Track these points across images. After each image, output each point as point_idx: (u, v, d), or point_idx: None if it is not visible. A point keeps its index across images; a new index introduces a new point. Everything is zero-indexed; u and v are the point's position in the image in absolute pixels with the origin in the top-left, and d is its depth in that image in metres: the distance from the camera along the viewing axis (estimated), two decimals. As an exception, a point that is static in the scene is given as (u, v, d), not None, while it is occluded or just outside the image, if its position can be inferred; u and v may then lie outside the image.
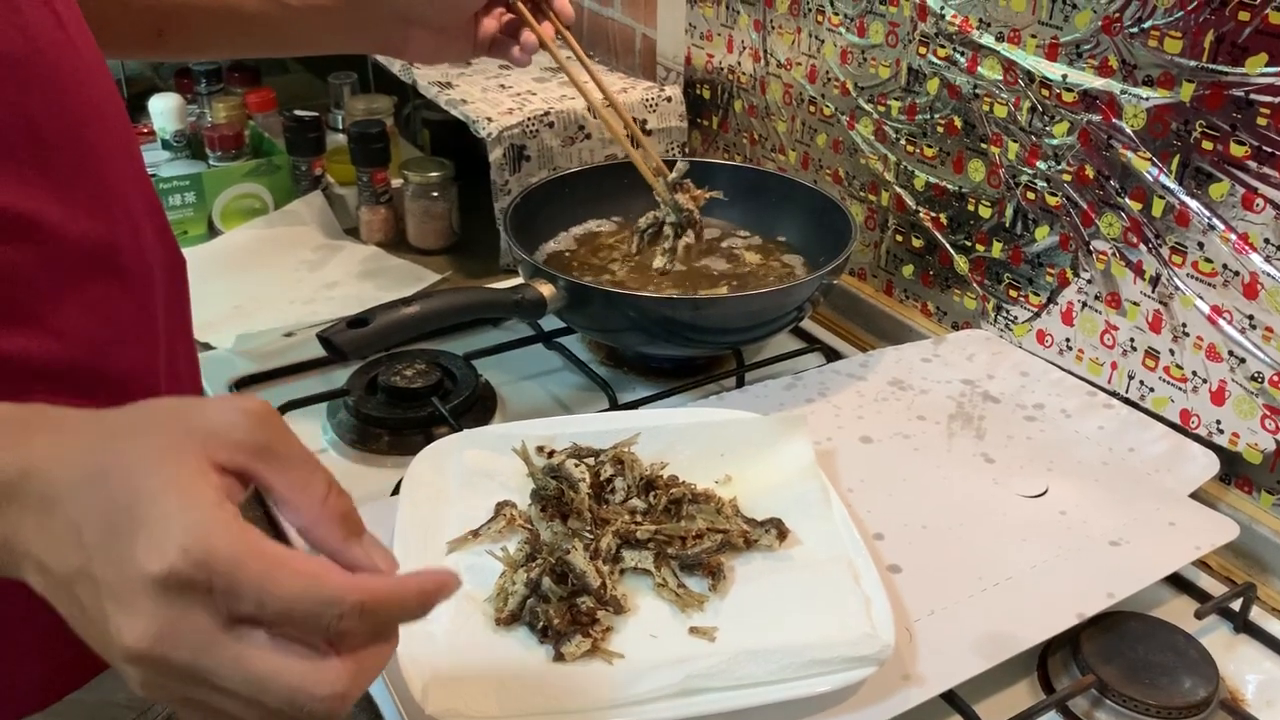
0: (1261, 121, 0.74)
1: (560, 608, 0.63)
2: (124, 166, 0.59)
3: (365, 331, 0.78)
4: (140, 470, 0.40)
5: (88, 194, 0.55)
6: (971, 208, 0.98)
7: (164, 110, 1.33)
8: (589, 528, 0.68)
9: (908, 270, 1.08)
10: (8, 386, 0.52)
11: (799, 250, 1.08)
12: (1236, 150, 0.76)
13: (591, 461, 0.75)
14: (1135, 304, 0.86)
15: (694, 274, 1.03)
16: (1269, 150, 0.74)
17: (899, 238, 1.07)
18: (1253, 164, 0.75)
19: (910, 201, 1.04)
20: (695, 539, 0.69)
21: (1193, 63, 0.77)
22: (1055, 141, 0.88)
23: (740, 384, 0.96)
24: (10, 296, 0.52)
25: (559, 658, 0.61)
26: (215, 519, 0.39)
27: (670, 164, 0.98)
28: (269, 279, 1.19)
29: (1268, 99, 0.73)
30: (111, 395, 0.56)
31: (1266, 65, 0.72)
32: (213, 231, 1.28)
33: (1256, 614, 0.74)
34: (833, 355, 1.02)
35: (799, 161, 1.18)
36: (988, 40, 0.91)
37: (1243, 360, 0.79)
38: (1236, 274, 0.78)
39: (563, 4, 0.91)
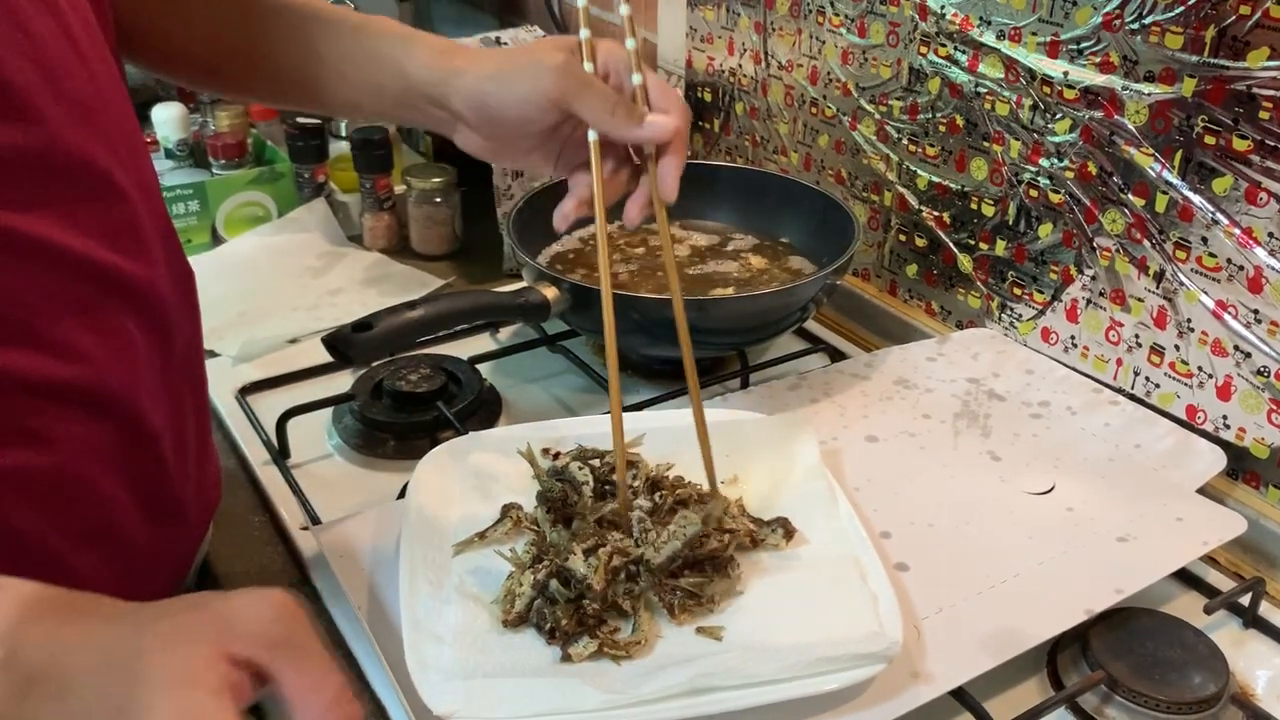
0: (1264, 115, 0.74)
1: (568, 609, 0.63)
2: (137, 186, 0.59)
3: (370, 335, 0.78)
4: (151, 655, 0.41)
5: (104, 220, 0.55)
6: (974, 206, 0.98)
7: (167, 119, 1.33)
8: (592, 529, 0.68)
9: (911, 270, 1.08)
10: (19, 404, 0.52)
11: (802, 251, 1.08)
12: (1239, 144, 0.76)
13: (597, 463, 0.75)
14: (1140, 300, 0.86)
15: (699, 276, 1.03)
16: (1272, 144, 0.74)
17: (902, 237, 1.07)
18: (1256, 158, 0.75)
19: (913, 201, 1.04)
20: (701, 540, 0.69)
21: (1194, 58, 0.77)
22: (1057, 139, 0.88)
23: (745, 385, 0.96)
24: (21, 318, 0.52)
25: (566, 658, 0.61)
26: (205, 709, 0.39)
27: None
28: (273, 286, 1.19)
29: (1270, 93, 0.73)
30: (116, 416, 0.56)
31: (1268, 59, 0.72)
32: (216, 240, 1.28)
33: (1266, 609, 0.74)
34: (837, 355, 1.02)
35: (801, 163, 1.18)
36: (988, 39, 0.92)
37: (1248, 355, 0.79)
38: (1241, 268, 0.78)
39: (672, 168, 0.69)
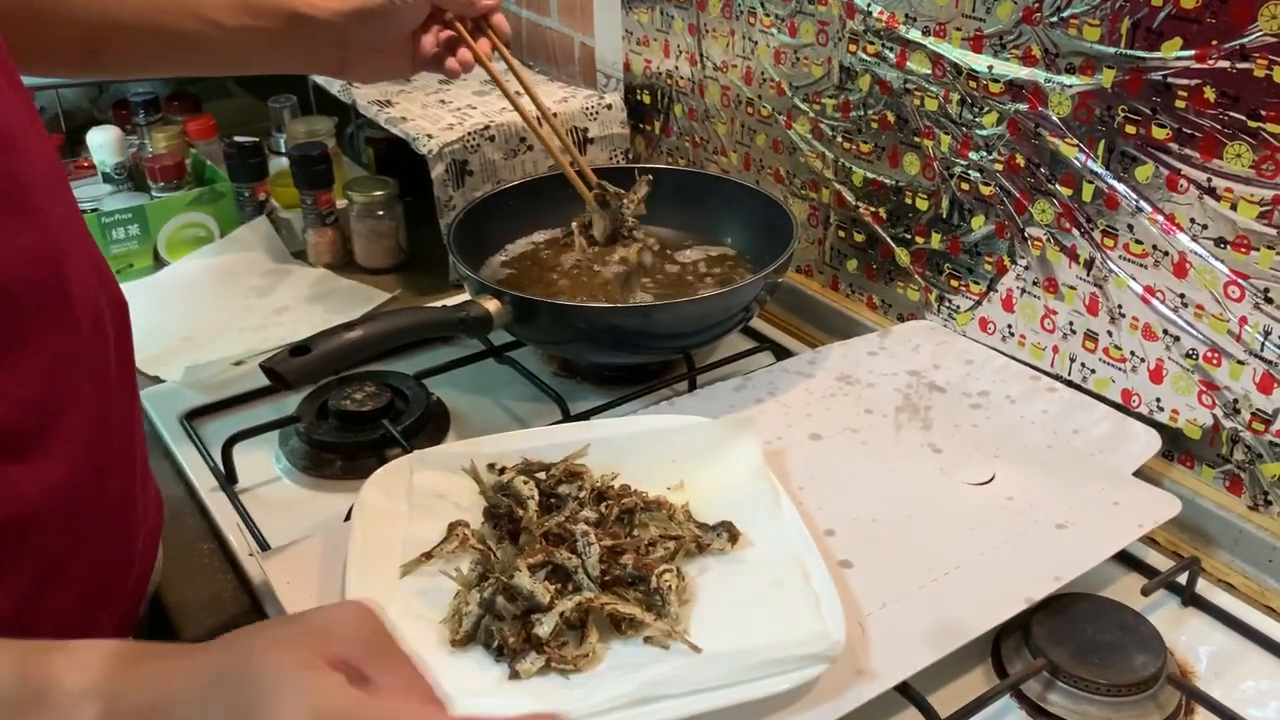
0: (1180, 104, 0.75)
1: (514, 626, 0.63)
2: (63, 218, 0.58)
3: (308, 359, 0.78)
4: (261, 662, 0.45)
5: (32, 246, 0.54)
6: (909, 201, 0.99)
7: (103, 143, 1.32)
8: (539, 544, 0.68)
9: (851, 265, 1.09)
10: None
11: (744, 251, 1.09)
12: (1158, 133, 0.77)
13: (542, 476, 0.75)
14: (1072, 288, 0.88)
15: (642, 280, 1.04)
16: (1189, 132, 0.75)
17: (841, 233, 1.08)
18: (1175, 146, 0.76)
19: (850, 197, 1.05)
20: (647, 547, 0.69)
21: (1111, 49, 0.78)
22: (985, 132, 0.90)
23: (692, 387, 0.97)
24: None
25: (514, 675, 0.61)
26: (333, 683, 0.44)
27: (614, 173, 0.99)
28: (217, 308, 1.18)
29: (1184, 82, 0.74)
30: (63, 455, 0.56)
31: (1181, 49, 0.74)
32: (159, 263, 1.27)
33: (1203, 586, 0.75)
34: (782, 353, 1.03)
35: (741, 162, 1.18)
36: (914, 35, 0.93)
37: (1177, 338, 0.81)
38: (1166, 254, 0.79)
39: (500, 21, 0.91)
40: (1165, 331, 0.81)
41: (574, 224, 0.99)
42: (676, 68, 1.23)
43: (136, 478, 0.66)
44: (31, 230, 0.55)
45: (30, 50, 0.74)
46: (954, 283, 0.98)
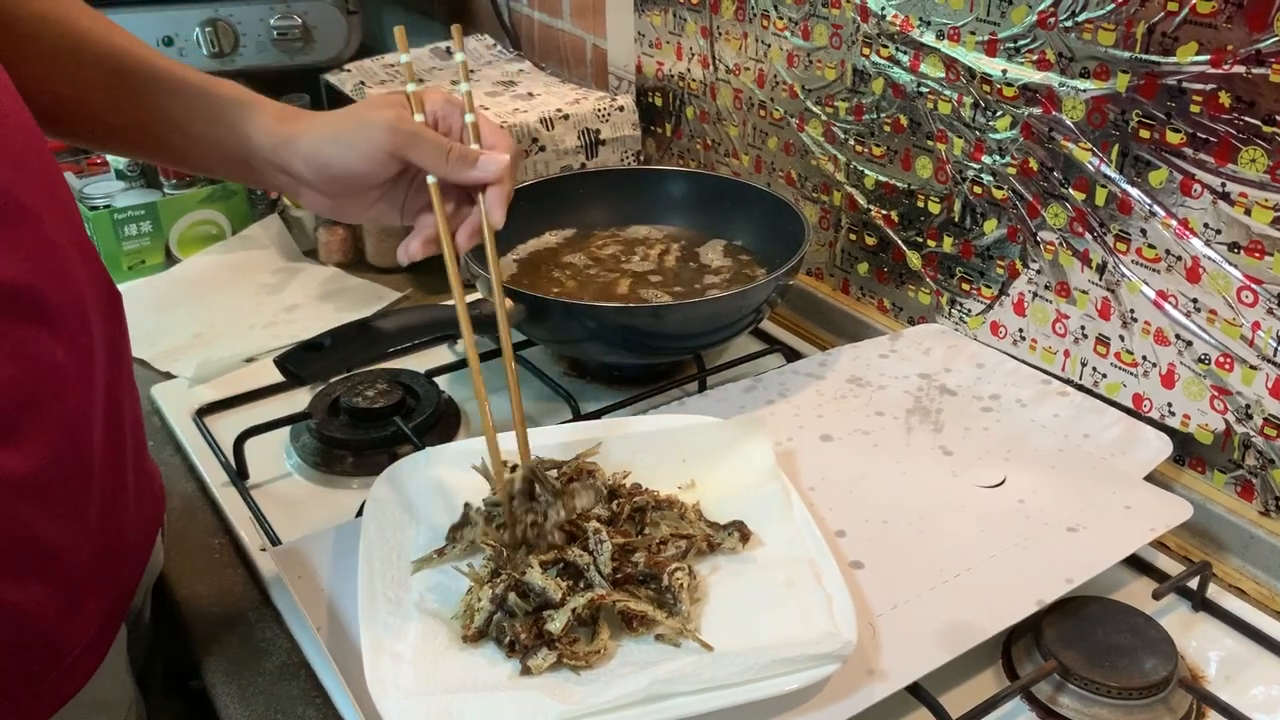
0: (1195, 109, 0.75)
1: (526, 622, 0.63)
2: (52, 208, 0.58)
3: (322, 355, 0.78)
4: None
5: (15, 244, 0.54)
6: (921, 204, 0.99)
7: (116, 140, 1.32)
8: (553, 534, 0.68)
9: (863, 268, 1.09)
10: None
11: (755, 253, 1.09)
12: (1172, 138, 0.77)
13: (554, 474, 0.75)
14: (1084, 292, 0.88)
15: (654, 281, 1.04)
16: (1203, 137, 0.75)
17: (852, 236, 1.08)
18: (1189, 150, 0.76)
19: (862, 200, 1.06)
20: (659, 545, 0.69)
21: (1126, 54, 0.78)
22: (999, 136, 0.90)
23: (702, 388, 0.97)
24: None
25: (526, 671, 0.61)
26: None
27: (621, 173, 0.98)
28: (228, 305, 1.18)
29: (1199, 86, 0.74)
30: (42, 444, 0.56)
31: (1196, 54, 0.74)
32: (170, 260, 1.28)
33: (1214, 591, 0.75)
34: (793, 355, 1.03)
35: (752, 165, 1.19)
36: (928, 39, 0.93)
37: (1189, 343, 0.81)
38: (1179, 259, 0.79)
39: (498, 199, 0.74)
40: (1177, 336, 0.81)
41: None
42: (689, 70, 1.23)
43: (127, 474, 0.65)
44: (18, 230, 0.54)
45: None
46: (965, 286, 0.98)
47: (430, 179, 0.72)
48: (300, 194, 0.75)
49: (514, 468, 0.77)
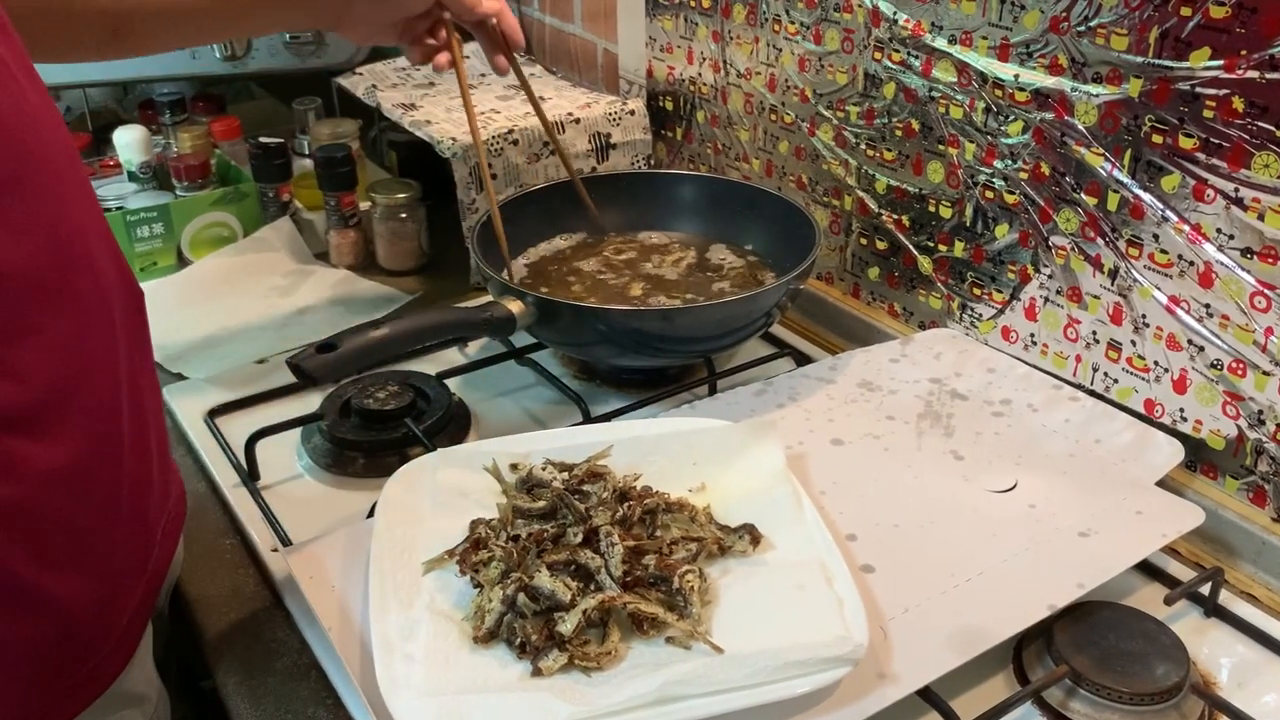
0: (1208, 114, 0.75)
1: (536, 623, 0.63)
2: (78, 206, 0.59)
3: (333, 356, 0.79)
4: None
5: (42, 234, 0.55)
6: (932, 209, 0.99)
7: (129, 142, 1.33)
8: (575, 525, 0.69)
9: (873, 272, 1.09)
10: None
11: (766, 257, 1.09)
12: (1185, 143, 0.77)
13: (565, 476, 0.76)
14: (1096, 297, 0.87)
15: (665, 284, 1.04)
16: (1216, 142, 0.75)
17: (863, 241, 1.08)
18: (1201, 156, 0.76)
19: (872, 205, 1.06)
20: (669, 547, 0.69)
21: (1139, 59, 0.78)
22: (1010, 140, 0.90)
23: (712, 392, 0.97)
24: None
25: (537, 672, 0.61)
26: None
27: (632, 177, 0.99)
28: (240, 307, 1.19)
29: (1213, 92, 0.74)
30: (75, 436, 0.57)
31: (1210, 59, 0.74)
32: (182, 262, 1.28)
33: (1226, 598, 0.75)
34: (803, 359, 1.03)
35: (763, 169, 1.19)
36: (940, 43, 0.93)
37: (1202, 349, 0.80)
38: (1191, 264, 0.79)
39: (511, 28, 0.97)
40: (1190, 342, 0.81)
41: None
42: (700, 74, 1.24)
43: (153, 465, 0.66)
44: (43, 220, 0.55)
45: (56, 32, 0.77)
46: (977, 291, 0.98)
47: (446, 15, 0.95)
48: (339, 26, 0.94)
49: (529, 473, 0.77)
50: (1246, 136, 0.73)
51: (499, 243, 0.98)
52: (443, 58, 0.96)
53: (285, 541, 0.80)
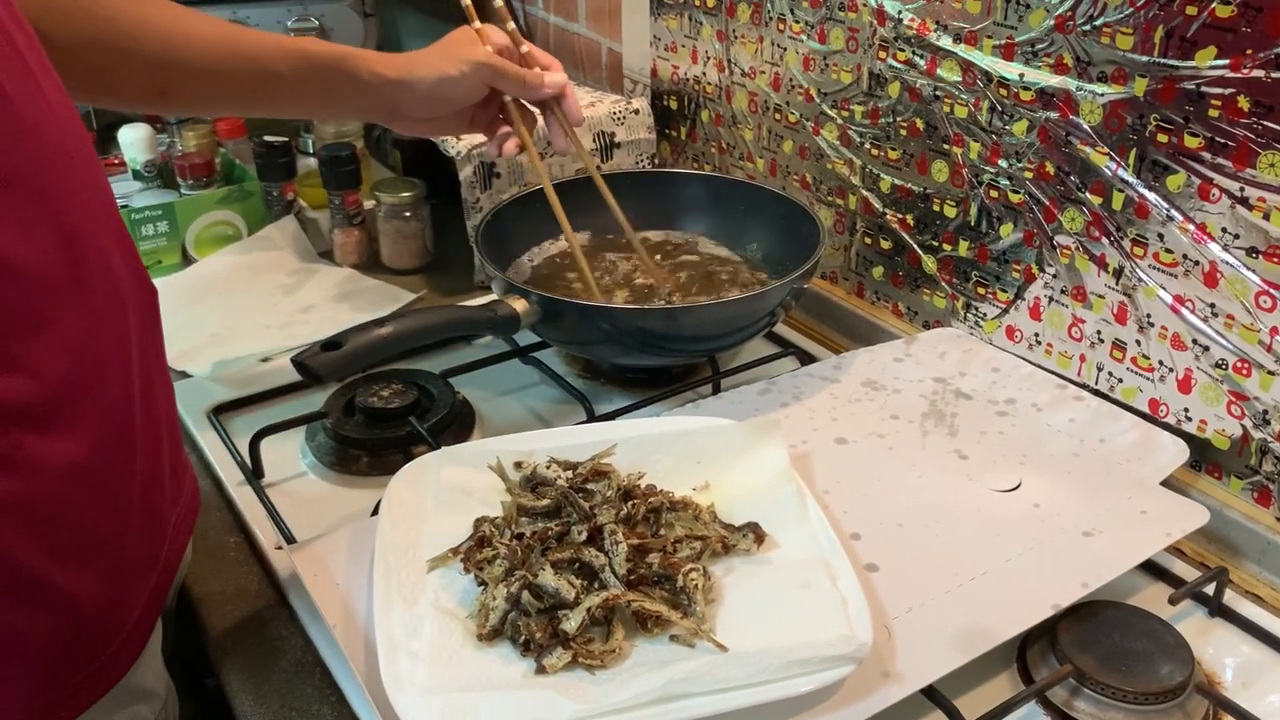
0: (1213, 113, 0.75)
1: (540, 621, 0.63)
2: (92, 203, 0.59)
3: (338, 354, 0.79)
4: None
5: (55, 231, 0.55)
6: (937, 208, 0.99)
7: (133, 141, 1.33)
8: (579, 523, 0.69)
9: (877, 272, 1.09)
10: None
11: (770, 256, 1.09)
12: (1191, 142, 0.77)
13: (569, 474, 0.76)
14: (1100, 297, 0.87)
15: (669, 283, 1.04)
16: (1222, 141, 0.75)
17: (868, 240, 1.08)
18: (1207, 155, 0.76)
19: (877, 204, 1.06)
20: (673, 546, 0.69)
21: (1144, 58, 0.78)
22: (1015, 140, 0.90)
23: (716, 390, 0.97)
24: None
25: (541, 670, 0.61)
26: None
27: (639, 176, 0.99)
28: (244, 305, 1.19)
29: (1218, 91, 0.74)
30: (88, 431, 0.57)
31: (1215, 58, 0.74)
32: (186, 260, 1.28)
33: (1230, 597, 0.75)
34: (807, 358, 1.03)
35: (767, 168, 1.19)
36: (945, 42, 0.93)
37: (1207, 348, 0.80)
38: (1196, 263, 0.79)
39: (570, 105, 0.95)
40: (1194, 341, 0.81)
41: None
42: (704, 73, 1.24)
43: (164, 461, 0.66)
44: (57, 217, 0.56)
45: (107, 84, 0.80)
46: (981, 290, 0.98)
47: (507, 98, 0.93)
48: (395, 123, 0.93)
49: (532, 471, 0.77)
50: (1252, 136, 0.73)
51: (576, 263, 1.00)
52: (510, 144, 0.95)
53: (289, 539, 0.80)
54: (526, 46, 0.94)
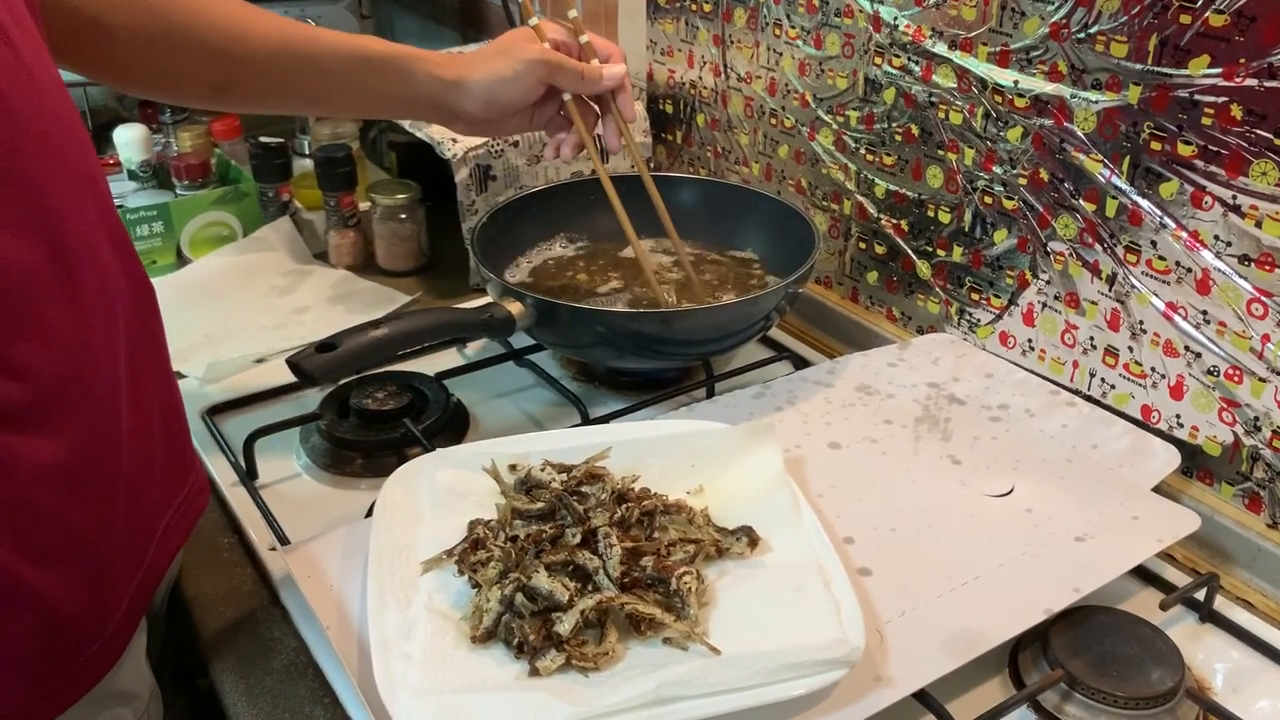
0: (1206, 121, 0.75)
1: (534, 623, 0.63)
2: (85, 201, 0.59)
3: (333, 356, 0.79)
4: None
5: (45, 229, 0.55)
6: (931, 213, 1.00)
7: (129, 141, 1.33)
8: (574, 526, 0.69)
9: (872, 277, 1.09)
10: None
11: (765, 261, 1.09)
12: (1184, 150, 0.77)
13: (564, 477, 0.76)
14: (1093, 303, 0.88)
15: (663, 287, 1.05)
16: (1214, 149, 0.75)
17: (862, 245, 1.09)
18: (1200, 163, 0.77)
19: (872, 209, 1.06)
20: (667, 549, 0.70)
21: (1138, 66, 0.79)
22: (1009, 146, 0.90)
23: (710, 394, 0.97)
24: None
25: (534, 672, 0.62)
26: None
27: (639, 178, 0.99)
28: (239, 306, 1.19)
29: (1211, 99, 0.75)
30: (72, 432, 0.56)
31: (1209, 67, 0.74)
32: (181, 260, 1.28)
33: (1221, 603, 0.75)
34: (801, 363, 1.03)
35: (762, 173, 1.19)
36: (941, 49, 0.93)
37: (1199, 355, 0.81)
38: (1189, 270, 0.80)
39: (625, 101, 0.94)
40: (1187, 348, 0.81)
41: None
42: (700, 78, 1.24)
43: (155, 463, 0.66)
44: (47, 215, 0.55)
45: (165, 78, 0.81)
46: (975, 296, 0.98)
47: (566, 96, 0.91)
48: (454, 124, 0.91)
49: (527, 474, 0.77)
50: (1245, 144, 0.73)
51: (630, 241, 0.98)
52: (568, 147, 0.94)
53: (283, 540, 0.80)
54: (586, 36, 0.92)
